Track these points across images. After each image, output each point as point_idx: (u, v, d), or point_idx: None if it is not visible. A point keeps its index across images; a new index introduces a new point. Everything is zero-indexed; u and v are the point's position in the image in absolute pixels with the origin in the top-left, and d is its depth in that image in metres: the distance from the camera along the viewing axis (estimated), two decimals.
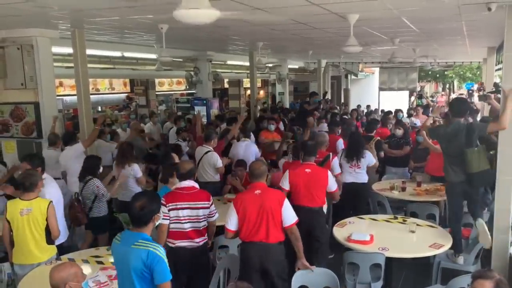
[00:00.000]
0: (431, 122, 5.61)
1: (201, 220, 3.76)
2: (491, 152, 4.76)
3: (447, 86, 33.93)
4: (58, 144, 6.10)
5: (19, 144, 6.79)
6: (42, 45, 6.33)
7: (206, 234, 3.86)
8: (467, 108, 4.83)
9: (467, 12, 4.88)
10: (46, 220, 3.79)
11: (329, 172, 4.72)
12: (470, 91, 17.80)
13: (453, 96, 24.78)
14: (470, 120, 6.34)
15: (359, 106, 14.90)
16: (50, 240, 3.85)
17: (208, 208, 3.76)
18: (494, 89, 7.14)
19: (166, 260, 2.67)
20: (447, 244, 4.15)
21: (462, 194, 4.52)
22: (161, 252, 2.66)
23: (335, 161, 5.57)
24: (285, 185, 4.51)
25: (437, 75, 27.18)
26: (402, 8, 4.78)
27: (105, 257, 3.94)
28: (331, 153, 5.66)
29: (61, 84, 11.95)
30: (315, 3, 4.33)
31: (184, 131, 8.27)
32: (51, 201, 3.86)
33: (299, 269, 3.60)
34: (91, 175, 4.83)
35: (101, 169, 4.98)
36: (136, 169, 5.36)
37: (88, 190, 4.81)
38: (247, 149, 6.51)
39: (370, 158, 5.95)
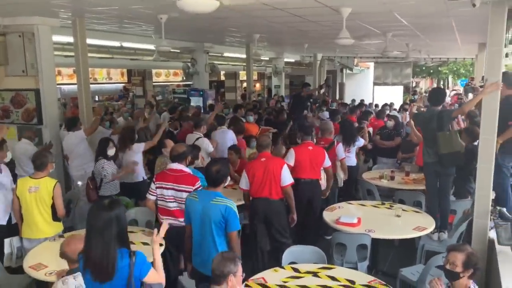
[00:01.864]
0: (415, 110, 5.94)
1: (184, 201, 3.92)
2: (474, 143, 5.05)
3: (442, 82, 34.23)
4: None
5: (20, 130, 6.93)
6: (43, 33, 6.45)
7: None
8: (443, 98, 5.34)
9: (454, 8, 5.10)
10: (52, 198, 3.98)
11: (325, 152, 5.34)
12: (465, 88, 18.02)
13: (447, 92, 25.06)
14: None
15: (353, 100, 15.14)
16: (56, 217, 4.07)
17: (190, 192, 3.87)
18: (483, 83, 7.40)
19: (237, 213, 3.31)
20: (430, 227, 4.40)
21: (435, 173, 4.96)
22: (234, 207, 3.30)
23: (340, 147, 6.02)
24: (291, 161, 5.06)
25: (431, 71, 27.42)
26: (393, 2, 4.98)
27: None
28: (336, 140, 6.09)
29: (59, 73, 12.05)
30: None
31: (175, 120, 8.44)
32: (57, 181, 4.08)
33: (292, 218, 4.58)
34: (101, 155, 5.09)
35: (113, 151, 5.16)
36: (137, 146, 5.55)
37: (96, 170, 5.08)
38: (225, 136, 6.75)
39: (360, 142, 6.62)
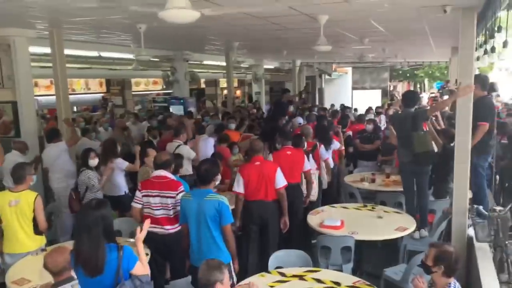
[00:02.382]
0: (392, 112, 6.13)
1: (170, 208, 3.98)
2: (451, 144, 5.21)
3: (418, 85, 34.98)
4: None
5: None
6: (19, 44, 6.37)
7: (176, 223, 4.02)
8: (416, 100, 5.59)
9: (426, 14, 5.28)
10: (33, 211, 3.92)
11: (305, 156, 5.44)
12: (440, 91, 18.49)
13: (423, 95, 25.64)
14: None
15: (332, 105, 15.34)
16: (37, 230, 3.99)
17: (174, 197, 3.96)
18: (456, 86, 7.67)
19: (229, 208, 3.54)
20: (411, 227, 4.51)
21: (411, 172, 5.13)
22: (226, 201, 3.53)
23: (322, 148, 6.33)
24: None
25: (408, 75, 28.03)
26: (368, 10, 5.12)
27: None
28: (317, 142, 6.28)
29: (36, 84, 11.85)
30: (287, 4, 4.61)
31: (154, 129, 8.42)
32: (38, 194, 4.01)
33: (285, 222, 4.72)
34: (83, 166, 5.07)
35: (95, 161, 5.13)
36: (120, 162, 5.51)
37: (80, 181, 5.03)
38: (207, 144, 6.90)
39: (336, 145, 6.82)
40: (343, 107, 12.94)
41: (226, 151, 6.57)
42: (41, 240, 4.11)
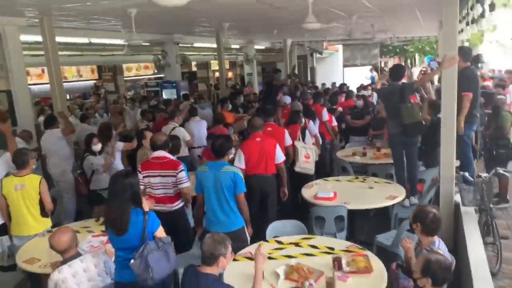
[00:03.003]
0: (379, 86, 6.28)
1: (171, 187, 4.16)
2: (439, 116, 5.39)
3: (409, 60, 35.06)
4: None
5: None
6: (10, 33, 6.40)
7: (180, 199, 4.25)
8: (402, 73, 5.66)
9: None
10: (40, 194, 4.07)
11: (286, 131, 5.67)
12: (429, 65, 18.51)
13: (414, 70, 25.76)
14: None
15: (323, 84, 15.43)
16: (44, 213, 4.15)
17: (175, 176, 4.13)
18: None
19: (243, 178, 3.89)
20: (401, 195, 4.73)
21: (400, 144, 5.31)
22: (240, 173, 3.90)
23: (311, 124, 6.54)
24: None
25: (398, 50, 28.07)
26: None
27: (94, 226, 4.30)
28: (305, 119, 6.46)
29: (27, 73, 11.83)
30: None
31: (148, 112, 8.54)
32: (42, 177, 4.16)
33: (284, 192, 5.01)
34: (87, 152, 5.24)
35: (98, 146, 5.28)
36: (117, 145, 5.65)
37: (86, 166, 5.22)
38: (201, 125, 7.06)
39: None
40: (341, 85, 13.05)
41: (223, 131, 6.72)
42: (47, 222, 4.27)
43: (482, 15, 3.45)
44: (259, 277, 2.78)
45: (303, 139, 6.04)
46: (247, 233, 3.94)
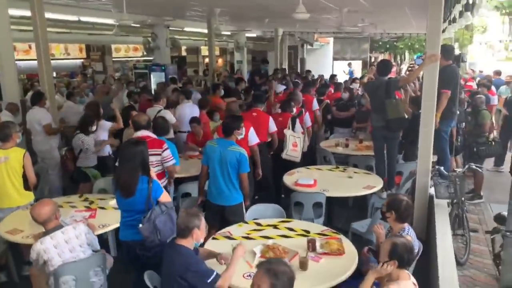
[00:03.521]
0: (366, 80, 6.42)
1: (154, 165, 4.21)
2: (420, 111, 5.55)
3: (398, 57, 35.40)
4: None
5: None
6: None
7: (162, 178, 4.34)
8: (389, 69, 5.77)
9: None
10: (23, 167, 4.11)
11: (271, 118, 5.81)
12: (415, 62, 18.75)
13: (403, 66, 26.05)
14: None
15: (308, 71, 15.30)
16: (27, 186, 4.19)
17: (160, 154, 4.25)
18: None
19: (248, 159, 4.11)
20: (379, 185, 4.89)
21: (382, 137, 5.49)
22: (246, 153, 4.13)
23: (307, 116, 6.61)
24: None
25: (388, 46, 28.33)
26: None
27: (77, 202, 4.37)
28: (303, 109, 6.60)
29: (14, 49, 11.65)
30: None
31: (135, 94, 8.55)
32: (26, 151, 4.19)
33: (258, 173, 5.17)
34: (80, 130, 5.25)
35: (94, 128, 5.32)
36: (104, 123, 5.69)
37: (75, 143, 5.23)
38: (193, 109, 7.07)
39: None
40: (331, 76, 13.14)
41: (204, 118, 6.79)
42: (30, 196, 4.32)
43: (460, 15, 3.57)
44: (233, 263, 2.86)
45: (293, 128, 6.16)
46: (244, 208, 4.17)
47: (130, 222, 3.26)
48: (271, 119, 5.79)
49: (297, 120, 6.28)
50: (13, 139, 4.16)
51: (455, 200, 4.80)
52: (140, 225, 3.10)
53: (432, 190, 5.00)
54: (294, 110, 6.31)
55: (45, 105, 6.17)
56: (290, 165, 5.84)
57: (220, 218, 4.11)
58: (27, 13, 6.88)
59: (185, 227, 2.80)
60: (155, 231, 3.10)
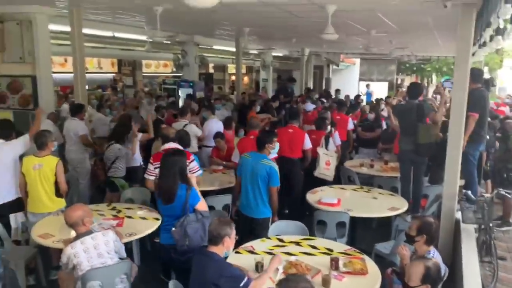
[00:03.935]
0: (395, 102, 6.40)
1: None
2: (447, 134, 5.50)
3: (426, 80, 34.99)
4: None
5: (16, 115, 7.15)
6: (40, 21, 6.66)
7: None
8: (420, 92, 5.71)
9: (429, 8, 5.52)
10: (55, 175, 4.28)
11: (306, 135, 5.96)
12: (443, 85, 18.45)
13: (429, 89, 25.71)
14: None
15: (337, 90, 15.33)
16: (58, 193, 4.36)
17: (187, 166, 4.30)
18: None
19: (278, 173, 4.23)
20: (403, 207, 4.83)
21: (409, 160, 5.44)
22: (276, 168, 4.26)
23: (336, 135, 6.83)
24: None
25: (415, 69, 28.07)
26: (374, 2, 5.37)
27: (105, 210, 4.50)
28: (333, 128, 6.77)
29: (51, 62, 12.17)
30: None
31: (162, 109, 8.76)
32: (59, 159, 4.37)
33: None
34: (115, 140, 5.48)
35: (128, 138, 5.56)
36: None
37: (111, 152, 5.42)
38: (218, 124, 7.27)
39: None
40: (356, 95, 13.17)
41: (228, 135, 6.91)
42: (61, 202, 4.48)
43: (491, 39, 3.57)
44: (269, 271, 2.97)
45: (326, 146, 6.22)
46: (270, 223, 4.27)
47: (168, 227, 3.48)
48: (306, 136, 5.93)
49: (331, 139, 6.35)
50: (49, 148, 4.35)
51: (482, 226, 4.69)
52: (173, 229, 3.31)
53: (458, 215, 4.91)
54: (329, 128, 6.42)
55: (84, 117, 6.44)
56: (321, 183, 5.87)
57: (249, 228, 4.27)
58: (66, 28, 7.23)
59: (217, 234, 2.88)
60: (185, 236, 3.27)
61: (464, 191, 4.84)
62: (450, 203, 4.86)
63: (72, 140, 6.26)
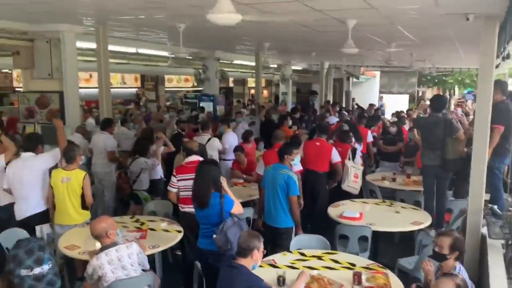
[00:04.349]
0: (415, 115, 6.35)
1: None
2: (471, 147, 5.41)
3: (448, 92, 34.47)
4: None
5: (43, 129, 7.40)
6: (68, 39, 6.94)
7: None
8: (444, 105, 5.62)
9: (450, 21, 5.50)
10: (82, 188, 4.40)
11: (334, 148, 5.96)
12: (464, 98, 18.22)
13: (452, 101, 25.32)
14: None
15: (353, 100, 15.28)
16: (84, 206, 4.48)
17: None
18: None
19: (297, 182, 4.34)
20: (427, 221, 4.76)
21: (434, 176, 5.36)
22: (295, 177, 4.35)
23: (357, 146, 6.83)
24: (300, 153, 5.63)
25: (436, 81, 27.72)
26: (394, 16, 5.39)
27: (129, 223, 4.58)
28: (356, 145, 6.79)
29: None
30: (317, 9, 4.95)
31: (183, 122, 8.91)
32: (86, 173, 4.49)
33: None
34: (138, 154, 5.58)
35: (150, 151, 5.69)
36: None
37: (136, 166, 5.53)
38: (234, 138, 7.44)
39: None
40: (376, 108, 13.09)
41: (247, 147, 6.98)
42: (87, 215, 4.59)
43: None
44: (297, 286, 3.02)
45: (353, 159, 6.21)
46: (293, 235, 4.35)
47: (207, 233, 3.64)
48: (334, 149, 5.95)
49: (357, 151, 6.33)
50: (77, 162, 4.48)
51: (510, 242, 4.56)
52: (214, 236, 3.46)
53: (484, 230, 4.79)
54: (353, 141, 6.46)
55: (113, 131, 6.61)
56: (344, 197, 5.85)
57: (272, 238, 4.35)
58: (92, 45, 7.48)
59: (246, 247, 2.92)
60: (227, 242, 3.42)
61: (490, 205, 4.74)
62: (476, 218, 4.75)
63: (100, 154, 6.44)
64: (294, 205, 4.33)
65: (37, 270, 2.22)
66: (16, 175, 4.47)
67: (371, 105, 12.49)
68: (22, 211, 4.48)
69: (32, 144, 4.70)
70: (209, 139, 6.80)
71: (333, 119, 9.64)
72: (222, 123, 8.10)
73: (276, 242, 4.28)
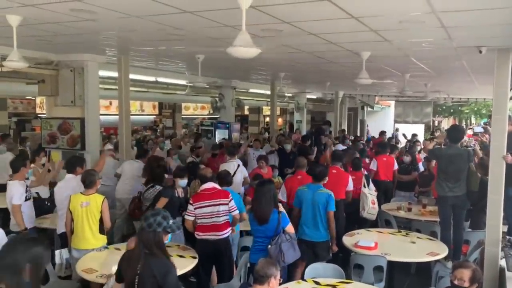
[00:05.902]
0: (431, 146, 6.35)
1: (221, 215, 4.49)
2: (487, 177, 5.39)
3: (464, 122, 34.23)
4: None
5: (64, 154, 7.59)
6: (91, 68, 7.22)
7: (228, 228, 4.57)
8: (462, 135, 5.58)
9: (463, 53, 5.59)
10: (100, 213, 4.50)
11: (350, 176, 6.09)
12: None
13: (468, 131, 25.09)
14: None
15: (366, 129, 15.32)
16: (102, 230, 4.55)
17: (227, 204, 4.51)
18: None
19: (334, 199, 4.79)
20: (443, 252, 4.70)
21: (450, 206, 5.34)
22: (333, 194, 4.81)
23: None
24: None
25: (452, 111, 27.59)
26: (407, 48, 5.51)
27: None
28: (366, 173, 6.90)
29: None
30: (332, 42, 5.10)
31: (197, 148, 9.02)
32: (105, 198, 4.59)
33: None
34: (154, 182, 5.63)
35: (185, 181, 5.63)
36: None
37: (150, 194, 5.53)
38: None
39: None
40: (389, 137, 13.10)
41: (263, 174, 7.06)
42: (104, 239, 4.65)
43: None
44: None
45: (368, 186, 6.25)
46: (330, 247, 4.78)
47: (261, 247, 4.00)
48: (350, 177, 6.03)
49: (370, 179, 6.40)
50: (96, 186, 4.59)
51: None
52: (269, 246, 3.82)
53: (503, 262, 4.70)
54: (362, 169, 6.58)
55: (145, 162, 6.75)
56: (360, 225, 5.95)
57: (312, 253, 4.67)
58: (112, 74, 7.76)
59: (263, 274, 2.96)
60: (280, 253, 3.76)
61: (508, 237, 4.67)
62: (494, 249, 4.68)
63: (127, 180, 6.62)
64: (332, 219, 4.73)
65: None
66: (59, 195, 4.93)
67: (382, 133, 12.59)
68: (60, 227, 4.93)
69: (70, 166, 5.07)
70: (238, 166, 6.93)
71: (340, 147, 9.64)
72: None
73: (316, 254, 4.67)
